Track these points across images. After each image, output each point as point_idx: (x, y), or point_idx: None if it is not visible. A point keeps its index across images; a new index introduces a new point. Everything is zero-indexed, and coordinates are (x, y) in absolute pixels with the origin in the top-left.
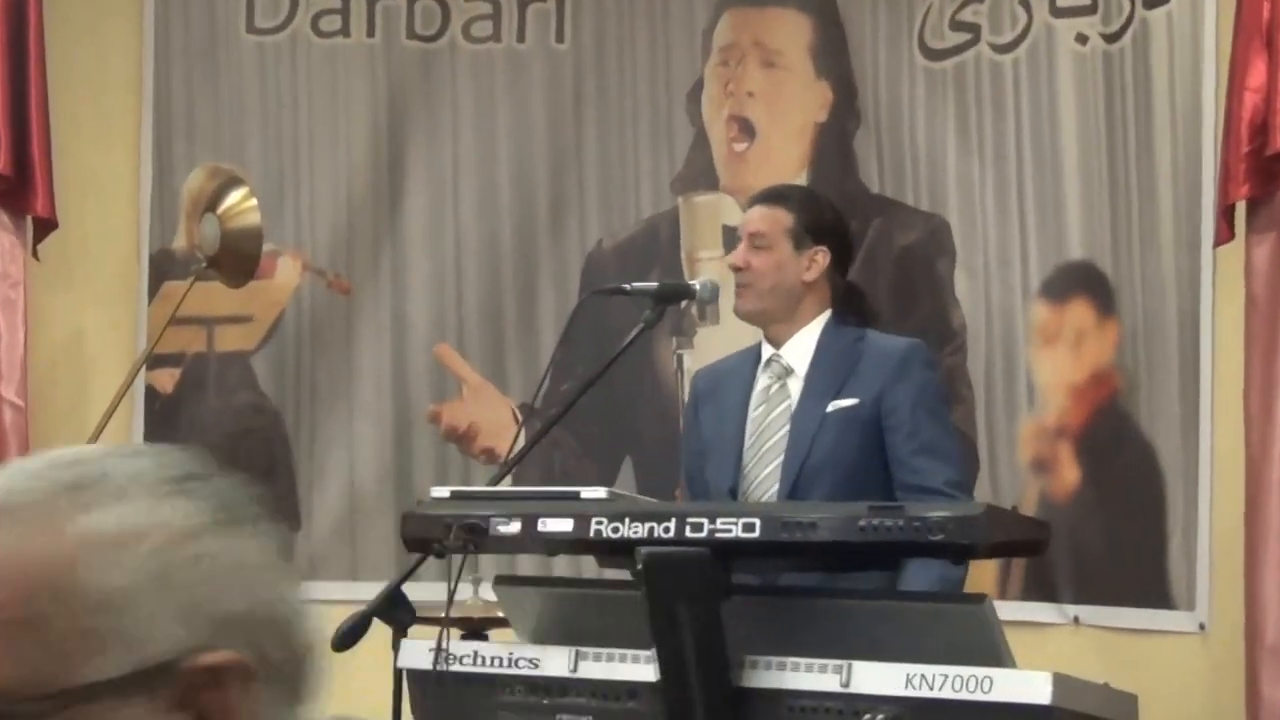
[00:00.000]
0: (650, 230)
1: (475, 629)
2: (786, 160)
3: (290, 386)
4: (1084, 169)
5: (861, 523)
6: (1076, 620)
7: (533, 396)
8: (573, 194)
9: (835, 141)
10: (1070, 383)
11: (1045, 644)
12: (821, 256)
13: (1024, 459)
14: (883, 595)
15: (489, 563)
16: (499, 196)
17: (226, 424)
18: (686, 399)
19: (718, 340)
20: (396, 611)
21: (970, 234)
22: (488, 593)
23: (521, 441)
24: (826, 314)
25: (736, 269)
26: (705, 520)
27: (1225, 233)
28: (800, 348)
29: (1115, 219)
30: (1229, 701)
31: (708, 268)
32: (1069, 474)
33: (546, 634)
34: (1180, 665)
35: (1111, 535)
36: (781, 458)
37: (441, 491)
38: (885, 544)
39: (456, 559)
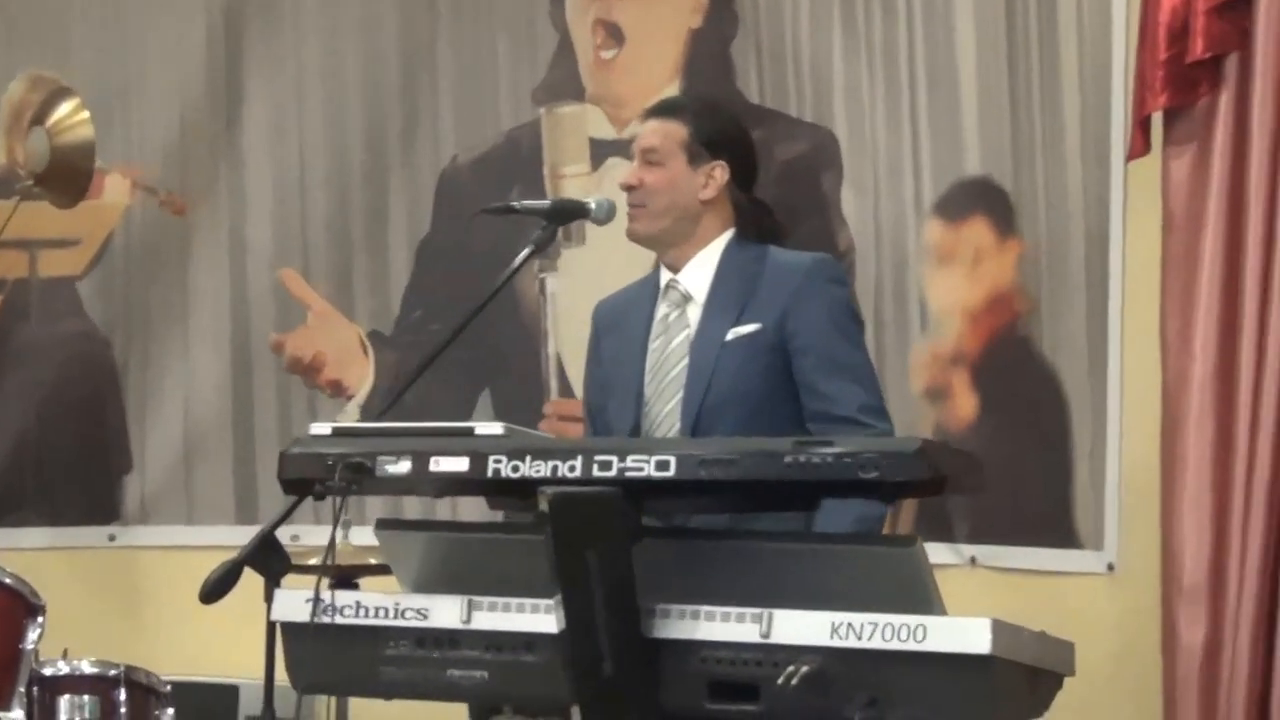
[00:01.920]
0: (510, 144)
1: (346, 577)
2: (657, 68)
3: (120, 314)
4: (982, 76)
5: (787, 459)
6: (973, 561)
7: (384, 324)
8: (426, 105)
9: (711, 48)
10: (967, 306)
11: (939, 587)
12: (720, 171)
13: (917, 387)
14: (805, 538)
15: (358, 506)
16: (346, 108)
17: (51, 354)
18: (591, 331)
19: (584, 263)
20: (270, 559)
21: (858, 147)
22: (358, 537)
23: (372, 375)
24: (728, 234)
25: (628, 187)
26: (615, 458)
27: (1140, 145)
28: (699, 271)
29: (1016, 131)
30: (1141, 646)
31: (572, 185)
32: (965, 403)
33: (433, 583)
34: (1087, 608)
35: (1012, 469)
36: (682, 393)
37: (321, 428)
38: (812, 482)
39: (339, 503)
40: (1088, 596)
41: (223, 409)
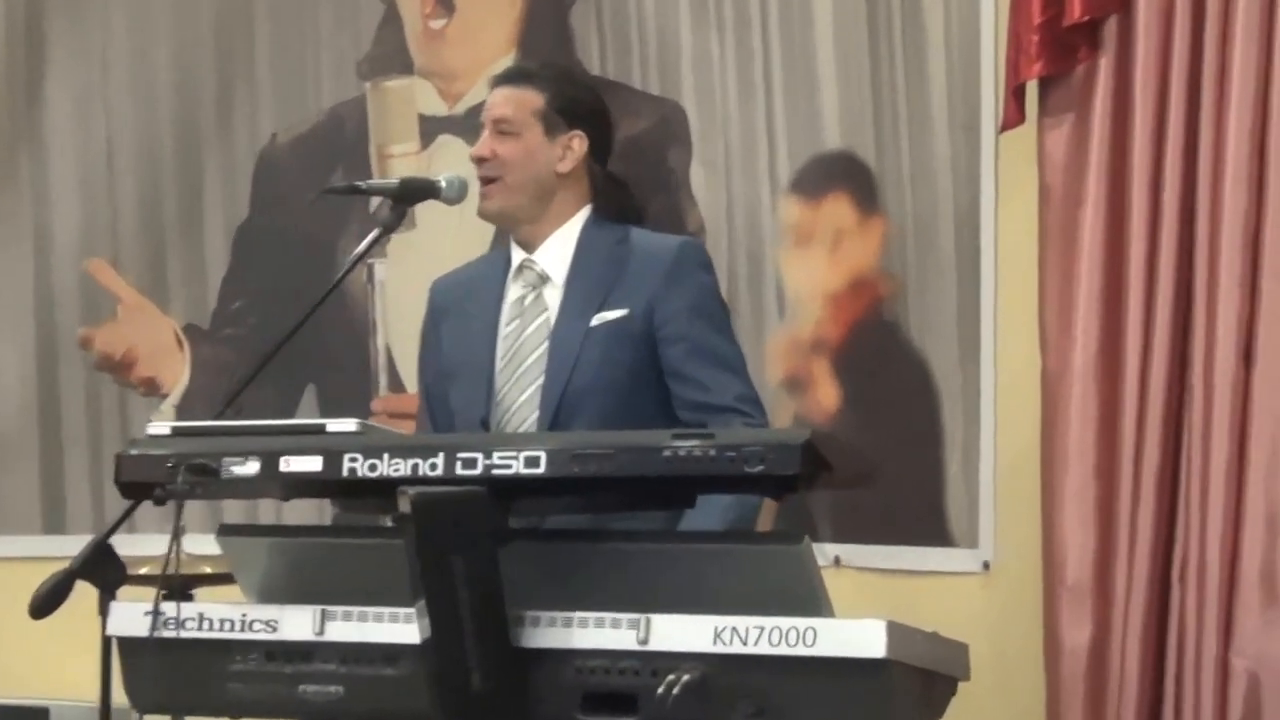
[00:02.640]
0: (333, 122)
1: (180, 588)
2: (491, 38)
3: None
4: (840, 43)
5: (666, 453)
6: (838, 561)
7: (201, 316)
8: (243, 79)
9: (548, 15)
10: (828, 290)
11: None
12: (578, 142)
13: (775, 377)
14: (683, 537)
15: (194, 511)
16: (156, 83)
17: None
18: (426, 312)
19: (416, 247)
20: (104, 570)
21: (708, 121)
22: (192, 545)
23: (188, 372)
24: (585, 210)
25: (480, 159)
26: (480, 455)
27: (1015, 114)
28: (556, 251)
29: (878, 101)
30: (1019, 647)
31: (401, 165)
32: (827, 394)
33: (280, 592)
34: (961, 609)
35: (871, 465)
36: (540, 380)
37: (160, 427)
38: (693, 477)
39: (182, 508)
40: (963, 597)
41: (27, 409)
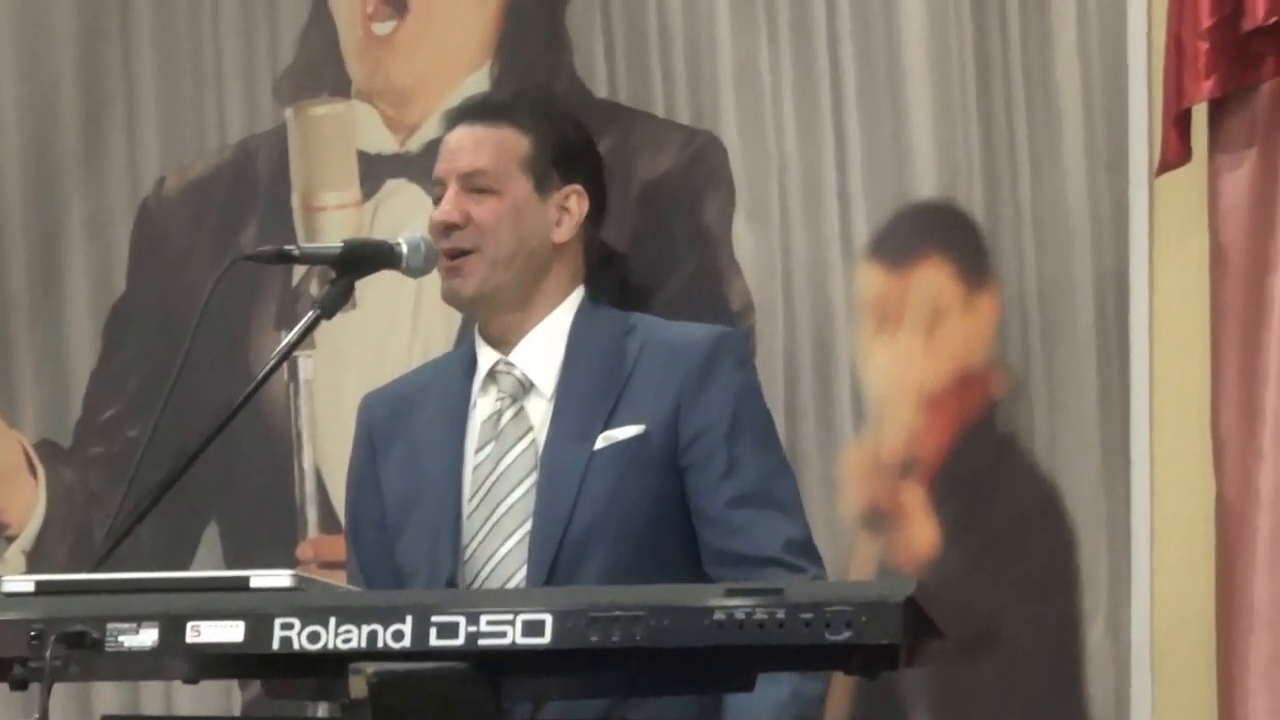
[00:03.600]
0: (241, 162)
1: None
2: (456, 49)
3: None
4: (938, 56)
5: (719, 616)
6: None
7: (60, 430)
8: (117, 107)
9: (536, 16)
10: (922, 389)
11: None
12: (576, 201)
13: (850, 509)
14: None
15: (66, 693)
16: (3, 114)
17: None
18: (356, 437)
19: (353, 336)
20: None
21: (758, 161)
22: None
23: (43, 505)
24: (578, 293)
25: (448, 227)
26: (463, 619)
27: (1177, 151)
28: (541, 348)
29: (989, 137)
30: None
31: (335, 220)
32: (923, 532)
33: None
34: None
35: (993, 626)
36: (527, 525)
37: (20, 583)
38: (754, 649)
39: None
40: None
41: None
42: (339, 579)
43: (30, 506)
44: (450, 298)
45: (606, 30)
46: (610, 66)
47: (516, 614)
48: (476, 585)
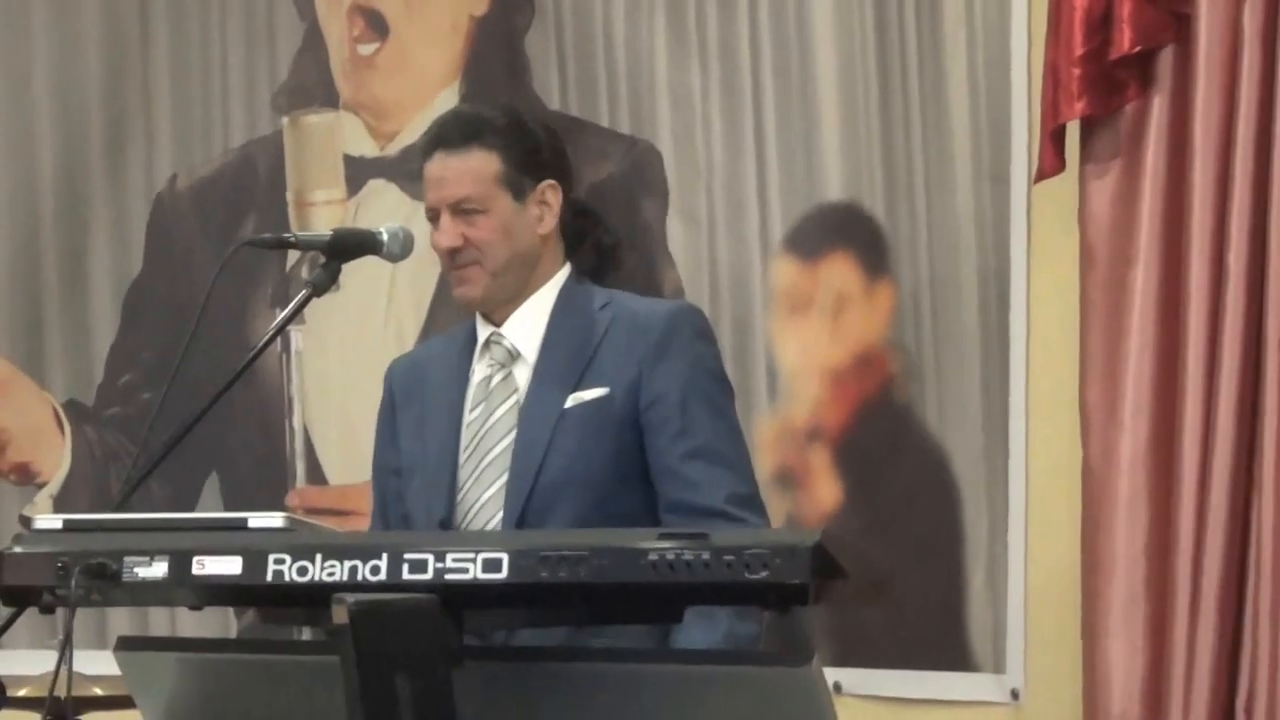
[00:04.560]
0: (243, 163)
1: (63, 714)
2: (431, 67)
3: None
4: (845, 78)
5: (651, 556)
6: (839, 688)
7: (85, 391)
8: (136, 113)
9: (499, 41)
10: (827, 367)
11: None
12: (552, 194)
13: (764, 470)
14: (669, 657)
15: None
16: (33, 118)
17: None
18: (382, 397)
19: (340, 314)
20: None
21: (688, 167)
22: (84, 663)
23: (69, 457)
24: (563, 273)
25: (452, 251)
26: (430, 556)
27: (1052, 162)
28: (528, 321)
29: (888, 146)
30: None
31: (323, 214)
32: (827, 491)
33: (189, 717)
34: None
35: (888, 572)
36: (506, 475)
37: (50, 521)
38: (682, 586)
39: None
40: None
41: None
42: (326, 525)
43: (58, 458)
44: (462, 302)
45: (559, 52)
46: (562, 83)
47: (477, 553)
48: (464, 527)
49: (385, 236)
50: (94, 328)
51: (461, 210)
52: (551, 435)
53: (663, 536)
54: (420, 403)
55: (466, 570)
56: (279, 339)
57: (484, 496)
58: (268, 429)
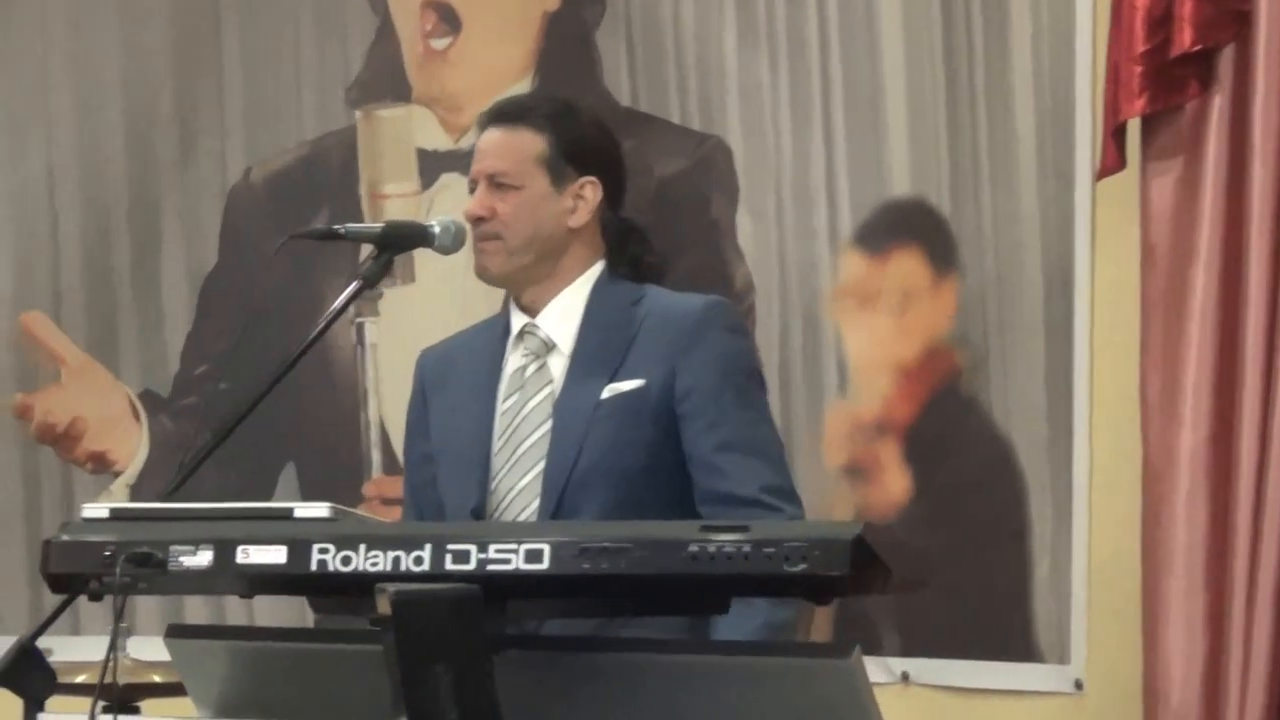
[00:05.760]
0: (317, 156)
1: (122, 699)
2: (502, 62)
3: None
4: (913, 75)
5: (692, 548)
6: (905, 678)
7: (160, 382)
8: (210, 107)
9: (570, 37)
10: (895, 361)
11: None
12: (590, 191)
13: (833, 462)
14: (708, 648)
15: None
16: (106, 111)
17: None
18: (413, 386)
19: (413, 306)
20: (29, 677)
21: (758, 162)
22: (139, 649)
23: (145, 446)
24: (597, 267)
25: (478, 219)
26: (473, 547)
27: (1113, 160)
28: (563, 314)
29: (956, 143)
30: None
31: (396, 206)
32: (895, 482)
33: (238, 703)
34: None
35: (954, 564)
36: (542, 464)
37: (97, 509)
38: (722, 577)
39: (120, 604)
40: None
41: None
42: (398, 515)
43: (135, 447)
44: (480, 274)
45: (629, 47)
46: (632, 80)
47: (520, 543)
48: (498, 515)
49: (436, 229)
50: (168, 319)
51: (497, 184)
52: (587, 426)
53: (704, 529)
54: (452, 391)
55: (509, 561)
56: (354, 331)
57: (519, 485)
58: (344, 420)
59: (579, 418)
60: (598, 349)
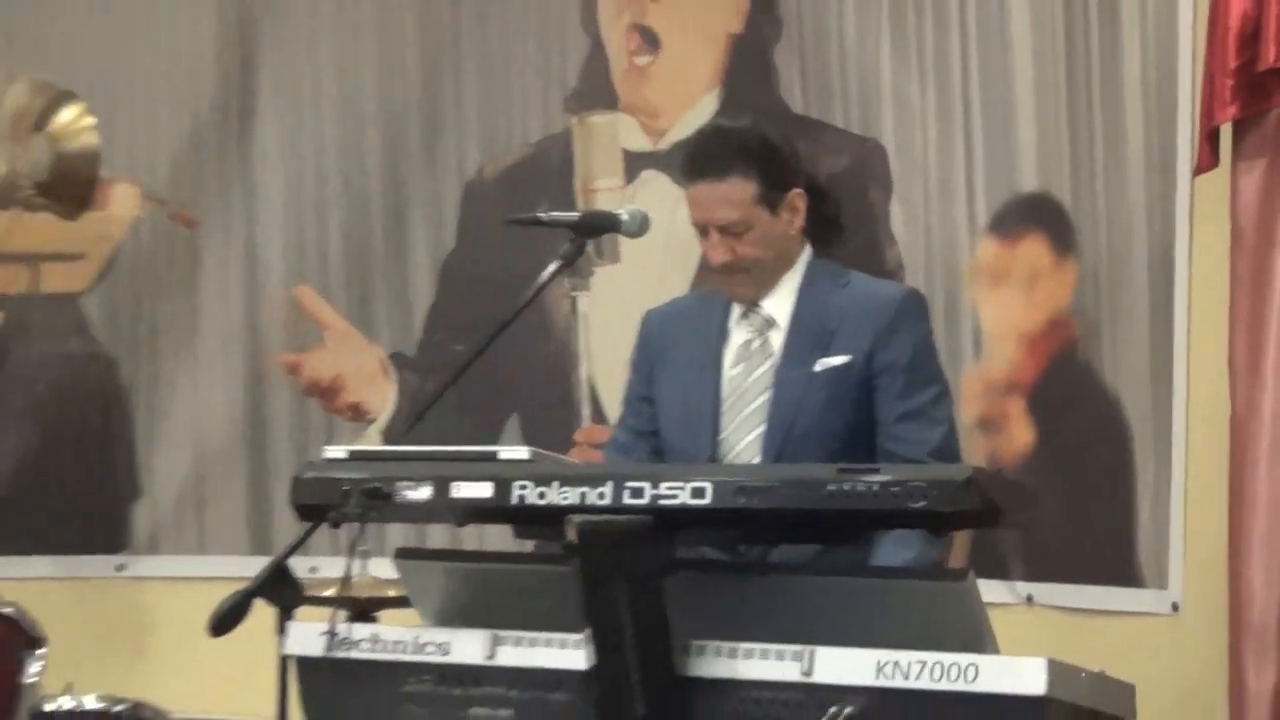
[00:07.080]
0: (539, 156)
1: (363, 610)
2: (695, 75)
3: (127, 333)
4: (1039, 86)
5: (830, 487)
6: (1030, 600)
7: (407, 345)
8: (449, 113)
9: (752, 54)
10: (1022, 330)
11: (994, 627)
12: (799, 199)
13: (969, 417)
14: (848, 570)
15: (378, 535)
16: (364, 117)
17: (54, 374)
18: (638, 339)
19: (618, 281)
20: (282, 590)
21: (908, 161)
22: (377, 568)
23: (394, 398)
24: (807, 252)
25: (725, 265)
26: (647, 484)
27: (1208, 159)
28: (781, 294)
29: (1075, 144)
30: (1207, 691)
31: (605, 199)
32: (1021, 434)
33: (455, 616)
34: (1150, 651)
35: (1071, 504)
36: (764, 426)
37: (336, 451)
38: (855, 512)
39: (355, 530)
40: (1151, 638)
41: (235, 433)
42: (602, 459)
43: (385, 400)
44: (739, 301)
45: (801, 63)
46: (804, 90)
47: (687, 482)
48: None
49: (625, 217)
50: (414, 292)
51: (729, 232)
52: (803, 395)
53: (841, 471)
54: (680, 352)
55: (676, 497)
56: (569, 303)
57: (744, 441)
58: (560, 378)
59: (796, 388)
60: (811, 328)
